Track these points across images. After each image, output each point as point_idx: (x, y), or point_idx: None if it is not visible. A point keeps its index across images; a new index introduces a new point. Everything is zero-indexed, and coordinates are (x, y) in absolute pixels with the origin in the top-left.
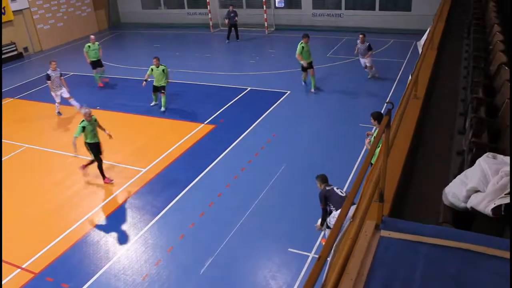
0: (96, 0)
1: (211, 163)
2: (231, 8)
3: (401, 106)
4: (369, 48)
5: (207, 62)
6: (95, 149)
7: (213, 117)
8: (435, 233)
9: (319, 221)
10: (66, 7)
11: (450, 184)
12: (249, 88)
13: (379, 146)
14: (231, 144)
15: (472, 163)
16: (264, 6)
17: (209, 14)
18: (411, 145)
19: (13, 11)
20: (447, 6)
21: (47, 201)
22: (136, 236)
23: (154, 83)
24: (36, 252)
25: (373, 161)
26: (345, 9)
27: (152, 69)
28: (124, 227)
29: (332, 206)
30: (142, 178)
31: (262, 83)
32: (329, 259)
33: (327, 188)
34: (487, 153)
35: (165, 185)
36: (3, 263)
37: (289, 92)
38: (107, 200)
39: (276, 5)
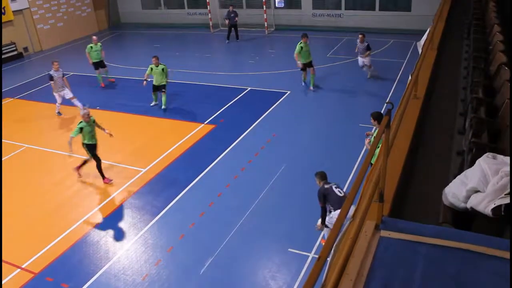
0: (96, 0)
1: (211, 163)
2: (231, 8)
3: (401, 106)
4: (368, 48)
5: (207, 62)
6: (92, 150)
7: (213, 117)
8: (435, 233)
9: (319, 221)
10: (66, 7)
11: (450, 184)
12: (249, 88)
13: (379, 146)
14: (231, 144)
15: (472, 163)
16: (264, 6)
17: (209, 14)
18: (411, 145)
19: (13, 11)
20: (447, 6)
21: (47, 201)
22: (136, 236)
23: (154, 83)
24: (36, 252)
25: (373, 161)
26: (345, 9)
27: (151, 68)
28: (124, 227)
29: (330, 206)
30: (142, 178)
31: (262, 83)
32: (329, 259)
33: (326, 186)
34: (487, 153)
35: (165, 185)
36: (3, 263)
37: (289, 92)
38: (107, 200)
39: (276, 5)
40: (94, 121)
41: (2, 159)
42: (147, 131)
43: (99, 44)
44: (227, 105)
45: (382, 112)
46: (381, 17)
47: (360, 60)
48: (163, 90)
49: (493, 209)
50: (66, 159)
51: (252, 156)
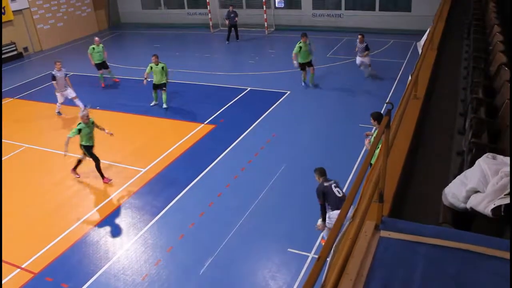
0: (96, 0)
1: (211, 163)
2: (231, 8)
3: (401, 107)
4: (366, 48)
5: (207, 62)
6: (90, 151)
7: (213, 117)
8: (434, 233)
9: (319, 220)
10: (66, 7)
11: (450, 184)
12: (249, 88)
13: (378, 147)
14: (231, 144)
15: (472, 163)
16: (264, 6)
17: (209, 14)
18: (411, 145)
19: (13, 11)
20: (447, 6)
21: (47, 201)
22: (136, 236)
23: (154, 81)
24: (35, 252)
25: (373, 161)
26: (345, 9)
27: (151, 67)
28: (124, 227)
29: (328, 205)
30: (142, 178)
31: (262, 83)
32: (328, 259)
33: (325, 184)
34: (487, 154)
35: (165, 185)
36: (2, 263)
37: (289, 92)
38: (106, 200)
39: (276, 5)
40: (93, 123)
41: (2, 159)
42: (147, 131)
43: (101, 45)
44: (227, 105)
45: (382, 112)
46: (381, 17)
47: (359, 59)
48: (164, 88)
49: (493, 210)
50: (65, 159)
51: (252, 156)
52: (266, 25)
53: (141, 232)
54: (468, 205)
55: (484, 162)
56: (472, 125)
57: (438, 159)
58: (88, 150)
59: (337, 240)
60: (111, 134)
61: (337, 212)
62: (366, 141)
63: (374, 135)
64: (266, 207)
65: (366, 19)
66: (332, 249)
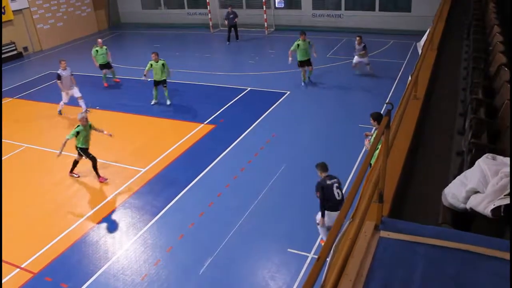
0: (96, 0)
1: (211, 163)
2: (230, 9)
3: (401, 107)
4: (364, 48)
5: (207, 62)
6: (85, 152)
7: (213, 117)
8: (434, 233)
9: (319, 214)
10: (66, 7)
11: (450, 185)
12: (249, 88)
13: (378, 148)
14: (231, 144)
15: (471, 164)
16: (264, 7)
17: (209, 14)
18: (410, 145)
19: (13, 11)
20: (447, 6)
21: (47, 201)
22: (136, 236)
23: (154, 78)
24: (35, 252)
25: (372, 161)
26: (345, 9)
27: (151, 65)
28: (124, 227)
29: (327, 202)
30: (141, 178)
31: (262, 83)
32: (328, 259)
33: (328, 182)
34: (487, 154)
35: (164, 185)
36: (2, 263)
37: (288, 92)
38: (106, 200)
39: (276, 6)
40: (90, 126)
41: (2, 159)
42: (147, 131)
43: (104, 47)
44: (227, 105)
45: (381, 112)
46: (381, 18)
47: (356, 59)
48: (165, 85)
49: (493, 210)
50: (65, 159)
51: (251, 156)
52: (266, 25)
53: (141, 232)
54: (468, 206)
55: (484, 163)
56: (472, 125)
57: (438, 160)
58: (84, 152)
59: (336, 240)
60: (111, 135)
61: (336, 213)
62: (366, 141)
63: (374, 135)
64: (266, 207)
65: (366, 19)
66: (332, 249)
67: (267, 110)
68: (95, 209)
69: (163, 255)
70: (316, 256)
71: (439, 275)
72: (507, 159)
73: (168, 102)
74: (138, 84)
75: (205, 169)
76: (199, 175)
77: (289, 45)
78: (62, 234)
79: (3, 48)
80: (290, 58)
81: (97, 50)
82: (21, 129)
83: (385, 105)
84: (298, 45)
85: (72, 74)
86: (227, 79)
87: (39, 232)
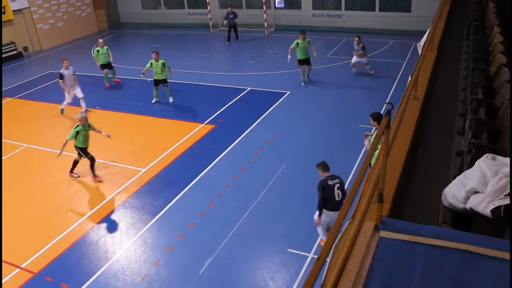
0: (96, 0)
1: (211, 163)
2: (230, 9)
3: (401, 107)
4: (363, 48)
5: (207, 62)
6: (84, 152)
7: (212, 117)
8: (434, 234)
9: (316, 214)
10: (66, 6)
11: (450, 185)
12: (249, 88)
13: (378, 148)
14: (230, 144)
15: (471, 164)
16: (264, 7)
17: (209, 14)
18: (410, 145)
19: (13, 11)
20: (447, 7)
21: (47, 201)
22: (136, 236)
23: (155, 77)
24: (35, 252)
25: (372, 161)
26: (345, 9)
27: (151, 63)
28: (123, 227)
29: (327, 202)
30: (141, 178)
31: (262, 83)
32: (328, 259)
33: (329, 182)
34: (487, 154)
35: (164, 185)
36: (2, 263)
37: (288, 92)
38: (106, 200)
39: (276, 6)
40: (89, 125)
41: (2, 158)
42: (147, 131)
43: (105, 47)
44: (227, 105)
45: (381, 112)
46: (381, 18)
47: (355, 59)
48: (165, 84)
49: (493, 210)
50: (65, 159)
51: (251, 156)
52: (266, 25)
53: (141, 232)
54: (467, 206)
55: (484, 163)
56: (471, 125)
57: (438, 160)
58: (83, 151)
59: (336, 240)
60: (109, 136)
61: (335, 213)
62: (366, 142)
63: (374, 135)
64: (265, 207)
65: (366, 19)
66: (332, 249)
67: (267, 110)
68: (95, 209)
69: (163, 255)
70: (316, 256)
71: (439, 275)
72: (507, 159)
73: (171, 100)
74: (138, 84)
75: (205, 169)
76: (199, 175)
77: (289, 45)
78: (62, 234)
79: (3, 48)
80: (289, 56)
81: (98, 50)
82: (21, 129)
83: (385, 105)
84: (297, 43)
85: (75, 73)
86: (227, 79)
87: (39, 232)
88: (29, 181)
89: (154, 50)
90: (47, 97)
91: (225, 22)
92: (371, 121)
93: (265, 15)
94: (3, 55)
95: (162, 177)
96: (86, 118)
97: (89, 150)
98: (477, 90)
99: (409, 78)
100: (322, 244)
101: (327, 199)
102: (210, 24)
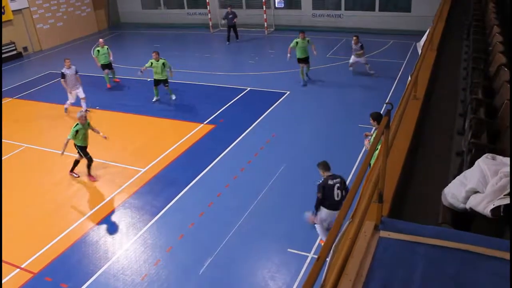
0: (96, 0)
1: (211, 163)
2: (229, 9)
3: (401, 107)
4: (361, 48)
5: (206, 62)
6: (84, 151)
7: (212, 117)
8: (434, 233)
9: (310, 212)
10: (65, 6)
11: (450, 185)
12: (249, 88)
13: (377, 148)
14: (230, 144)
15: (471, 164)
16: (264, 7)
17: (209, 14)
18: (410, 145)
19: (12, 11)
20: (447, 7)
21: (47, 201)
22: (135, 236)
23: (155, 77)
24: (35, 252)
25: (372, 161)
26: (345, 9)
27: (151, 63)
28: (123, 227)
29: (325, 201)
30: (141, 178)
31: (261, 83)
32: (328, 259)
33: (330, 182)
34: (486, 154)
35: (164, 185)
36: (2, 263)
37: (288, 92)
38: (106, 200)
39: (276, 6)
40: (89, 124)
41: (2, 159)
42: (147, 131)
43: (105, 47)
44: (227, 105)
45: (381, 112)
46: (380, 18)
47: (353, 58)
48: (166, 84)
49: (492, 210)
50: (65, 159)
51: (251, 156)
52: (266, 25)
53: (141, 232)
54: (467, 206)
55: (484, 163)
56: (471, 125)
57: (438, 160)
58: (82, 150)
59: (336, 240)
60: (105, 138)
61: (331, 212)
62: (366, 141)
63: (374, 135)
64: (265, 207)
65: (365, 19)
66: (332, 249)
67: (267, 110)
68: (95, 209)
69: (163, 255)
70: (316, 256)
71: (439, 275)
72: (507, 159)
73: (173, 97)
74: (138, 84)
75: (205, 169)
76: (199, 175)
77: (288, 45)
78: (62, 234)
79: (2, 48)
80: (288, 55)
81: (98, 50)
82: (21, 129)
83: (384, 105)
84: (296, 42)
85: (77, 73)
86: (227, 79)
87: (39, 232)
88: (29, 181)
89: (155, 50)
90: (47, 97)
91: (223, 21)
92: (371, 121)
93: (265, 15)
94: (3, 55)
95: (162, 177)
96: (85, 117)
97: (89, 149)
98: (477, 90)
99: (409, 78)
100: (322, 244)
101: (326, 198)
102: (210, 24)
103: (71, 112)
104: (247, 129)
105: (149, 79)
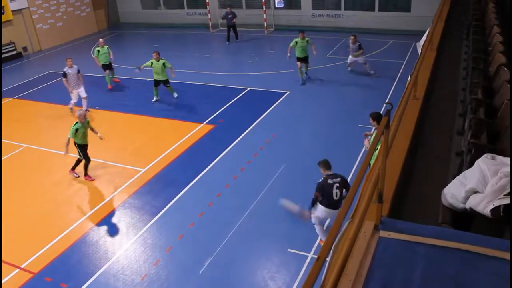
0: (96, 0)
1: (211, 163)
2: (228, 9)
3: (401, 107)
4: (360, 47)
5: (206, 62)
6: (84, 150)
7: (212, 117)
8: (434, 233)
9: (304, 207)
10: (65, 7)
11: (449, 185)
12: (249, 88)
13: (377, 148)
14: (230, 144)
15: (471, 164)
16: (264, 7)
17: (209, 14)
18: (410, 145)
19: (12, 11)
20: (447, 7)
21: (47, 201)
22: (135, 236)
23: (155, 77)
24: (35, 252)
25: (372, 161)
26: (345, 9)
27: (152, 63)
28: (123, 227)
29: (322, 200)
30: (141, 178)
31: (261, 83)
32: (328, 259)
33: (329, 181)
34: (486, 154)
35: (164, 185)
36: (2, 263)
37: (288, 92)
38: (106, 200)
39: (276, 6)
40: (88, 123)
41: (2, 159)
42: (147, 131)
43: (106, 46)
44: (227, 105)
45: (381, 112)
46: (380, 18)
47: (351, 58)
48: (167, 85)
49: (492, 210)
50: (65, 158)
51: (251, 156)
52: (265, 25)
53: (141, 232)
54: (467, 206)
55: (483, 163)
56: (471, 125)
57: (438, 160)
58: (82, 149)
59: (336, 240)
60: (101, 138)
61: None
62: (366, 141)
63: (374, 135)
64: (265, 207)
65: (365, 19)
66: (332, 249)
67: (266, 110)
68: (95, 209)
69: (163, 255)
70: (316, 256)
71: (438, 275)
72: (507, 159)
73: (175, 95)
74: (138, 84)
75: (204, 169)
76: (198, 175)
77: (288, 45)
78: (62, 234)
79: (2, 48)
80: (288, 54)
81: (98, 50)
82: (21, 129)
83: (384, 105)
84: (296, 42)
85: (79, 72)
86: (227, 79)
87: (39, 232)
88: (29, 181)
89: (155, 50)
90: (47, 97)
91: (222, 21)
92: (371, 121)
93: (264, 15)
94: (3, 55)
95: (162, 177)
96: (84, 116)
97: (89, 149)
98: (477, 90)
99: (409, 78)
100: (322, 244)
101: (325, 197)
102: (210, 24)
103: (76, 111)
104: (247, 129)
105: (149, 79)
